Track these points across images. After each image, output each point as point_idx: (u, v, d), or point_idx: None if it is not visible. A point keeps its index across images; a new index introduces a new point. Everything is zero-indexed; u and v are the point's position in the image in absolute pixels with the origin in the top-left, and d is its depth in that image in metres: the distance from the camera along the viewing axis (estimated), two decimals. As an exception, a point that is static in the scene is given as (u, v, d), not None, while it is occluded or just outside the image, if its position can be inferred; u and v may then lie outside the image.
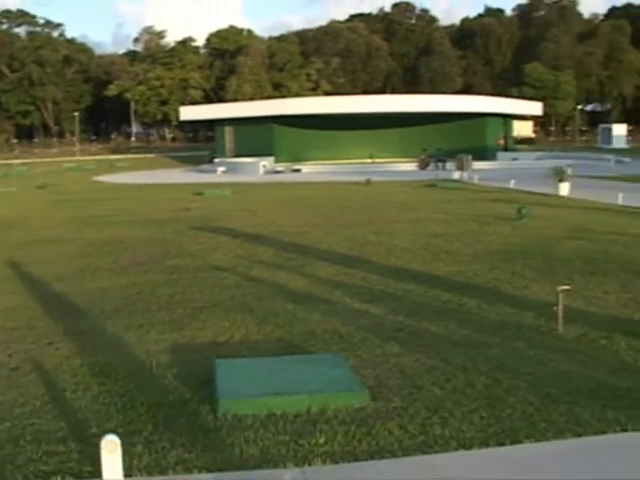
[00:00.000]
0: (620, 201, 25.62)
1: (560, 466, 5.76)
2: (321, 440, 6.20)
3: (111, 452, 4.94)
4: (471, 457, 5.94)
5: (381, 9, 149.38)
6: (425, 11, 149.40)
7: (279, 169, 52.15)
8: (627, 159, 61.52)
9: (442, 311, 10.62)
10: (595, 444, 6.14)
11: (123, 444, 5.11)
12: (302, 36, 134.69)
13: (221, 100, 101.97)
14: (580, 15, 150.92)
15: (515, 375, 7.79)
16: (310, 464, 5.79)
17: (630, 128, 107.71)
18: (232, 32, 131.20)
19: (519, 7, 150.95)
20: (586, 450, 6.05)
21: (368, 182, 37.05)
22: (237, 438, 6.27)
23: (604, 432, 6.34)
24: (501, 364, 8.15)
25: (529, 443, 6.15)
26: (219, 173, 50.09)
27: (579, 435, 6.30)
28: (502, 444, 6.14)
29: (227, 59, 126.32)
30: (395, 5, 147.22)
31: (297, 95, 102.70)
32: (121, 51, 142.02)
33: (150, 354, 8.71)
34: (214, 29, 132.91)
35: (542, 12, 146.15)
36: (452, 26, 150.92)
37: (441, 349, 8.75)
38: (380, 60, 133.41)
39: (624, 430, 6.36)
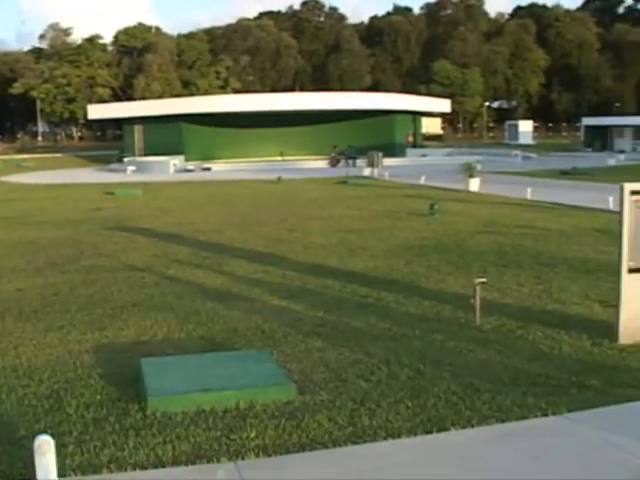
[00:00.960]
0: (529, 196, 26.33)
1: (485, 451, 5.99)
2: (252, 434, 6.30)
3: (44, 453, 4.90)
4: (400, 445, 6.12)
5: (290, 7, 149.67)
6: (334, 9, 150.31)
7: (189, 168, 51.81)
8: (533, 155, 63.11)
9: (362, 306, 10.82)
10: (518, 429, 6.40)
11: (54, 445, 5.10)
12: (211, 34, 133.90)
13: (130, 98, 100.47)
14: (486, 14, 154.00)
15: (437, 366, 8.02)
16: (243, 458, 5.88)
17: (536, 124, 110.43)
18: (140, 29, 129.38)
19: (427, 6, 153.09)
20: (509, 435, 6.29)
21: (279, 180, 37.15)
22: (168, 435, 6.31)
23: (525, 417, 6.61)
24: (423, 356, 8.38)
25: (455, 430, 6.37)
26: (129, 172, 49.48)
27: (502, 421, 6.55)
28: (429, 432, 6.34)
29: (135, 57, 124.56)
30: (304, 3, 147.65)
31: (206, 93, 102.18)
32: (26, 48, 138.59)
33: (73, 355, 8.66)
34: (122, 26, 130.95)
35: (449, 11, 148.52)
36: (361, 24, 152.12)
37: (363, 343, 8.93)
38: (289, 58, 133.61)
39: (544, 415, 6.65)
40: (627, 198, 8.55)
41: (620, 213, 8.65)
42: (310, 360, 8.33)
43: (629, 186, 8.62)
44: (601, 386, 7.41)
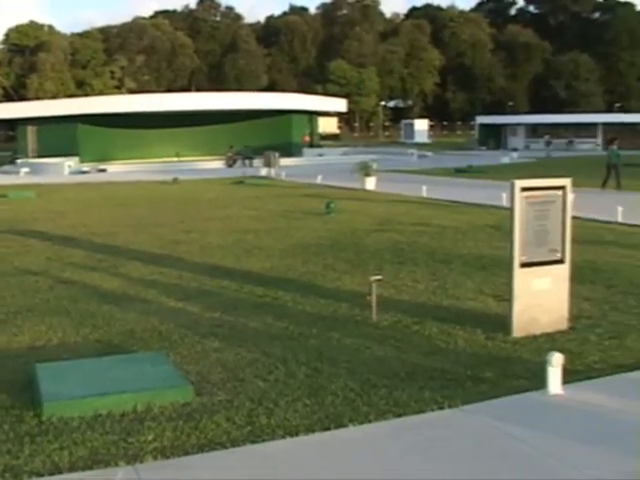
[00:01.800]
0: (424, 193, 26.78)
1: (383, 445, 6.09)
2: (150, 437, 6.26)
3: None
4: (298, 443, 6.17)
5: (186, 6, 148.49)
6: (230, 9, 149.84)
7: (85, 169, 50.83)
8: (429, 153, 64.11)
9: (259, 305, 10.84)
10: (415, 423, 6.52)
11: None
12: (106, 33, 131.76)
13: (22, 99, 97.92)
14: (382, 14, 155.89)
15: (334, 363, 8.10)
16: (142, 461, 5.84)
17: (431, 123, 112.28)
18: (33, 28, 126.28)
19: (323, 6, 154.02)
20: (406, 429, 6.41)
21: (175, 181, 36.82)
22: (65, 441, 6.21)
23: (422, 411, 6.74)
24: (320, 354, 8.45)
25: (353, 426, 6.45)
26: (22, 174, 48.23)
27: (399, 415, 6.66)
28: (327, 429, 6.41)
29: (28, 56, 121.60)
30: (200, 2, 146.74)
31: (101, 93, 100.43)
32: None
33: (-37, 361, 8.43)
34: (13, 24, 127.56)
35: (345, 11, 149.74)
36: (257, 24, 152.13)
37: (260, 342, 8.96)
38: (185, 58, 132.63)
39: (441, 408, 6.79)
40: (518, 195, 8.81)
41: (511, 209, 8.90)
42: (207, 361, 8.31)
43: (519, 183, 8.88)
44: (495, 378, 7.62)
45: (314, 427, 6.45)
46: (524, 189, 8.84)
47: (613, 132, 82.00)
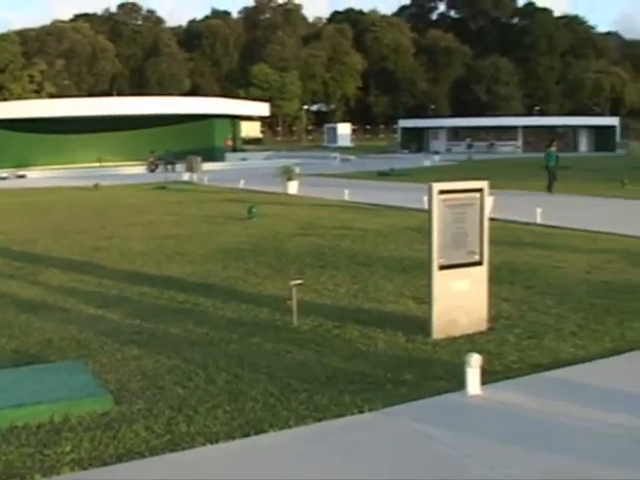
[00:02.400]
0: (346, 197, 26.93)
1: (302, 450, 6.09)
2: (67, 448, 6.14)
3: None
4: (217, 450, 6.13)
5: (107, 9, 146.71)
6: (151, 12, 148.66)
7: (3, 175, 49.83)
8: (352, 157, 64.50)
9: (179, 312, 10.75)
10: (335, 427, 6.53)
11: None
12: (24, 36, 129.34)
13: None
14: (305, 19, 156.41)
15: (255, 369, 8.08)
16: (58, 473, 5.72)
17: (354, 127, 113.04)
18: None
19: (245, 10, 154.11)
20: (326, 433, 6.42)
21: (97, 186, 36.34)
22: (-22, 455, 6.07)
23: (342, 415, 6.76)
24: (240, 359, 8.42)
25: (273, 432, 6.44)
26: (-64, 181, 47.15)
27: (319, 420, 6.67)
28: (247, 435, 6.38)
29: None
30: (121, 5, 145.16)
31: (20, 98, 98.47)
32: None
33: None
34: None
35: (268, 15, 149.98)
36: (179, 27, 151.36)
37: (181, 349, 8.89)
38: (106, 62, 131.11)
39: (361, 412, 6.81)
40: (435, 197, 8.90)
41: (429, 212, 8.99)
42: (127, 369, 8.21)
43: (437, 186, 8.98)
44: (415, 380, 7.68)
45: (234, 433, 6.41)
46: (442, 192, 8.94)
47: (533, 135, 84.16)
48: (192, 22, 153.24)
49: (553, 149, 31.71)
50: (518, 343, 8.97)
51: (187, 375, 7.95)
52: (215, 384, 7.66)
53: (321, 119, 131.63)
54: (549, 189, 29.52)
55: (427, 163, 54.32)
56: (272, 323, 9.99)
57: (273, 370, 8.04)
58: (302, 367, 8.14)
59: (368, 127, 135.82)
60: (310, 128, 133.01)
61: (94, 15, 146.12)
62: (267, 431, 6.44)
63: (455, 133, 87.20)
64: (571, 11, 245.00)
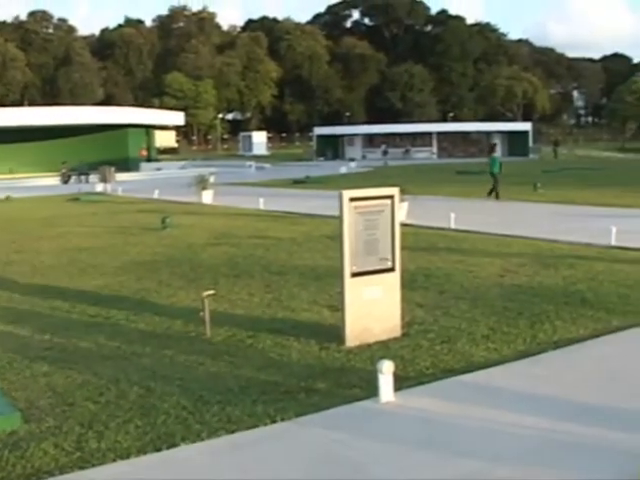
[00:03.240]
0: (262, 206, 26.92)
1: (214, 463, 6.05)
2: (-29, 470, 5.99)
3: None
4: (129, 465, 6.05)
5: (16, 17, 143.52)
6: (63, 20, 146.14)
7: None
8: (267, 165, 64.51)
9: (91, 325, 10.58)
10: (247, 438, 6.50)
11: None
12: None
13: None
14: (219, 27, 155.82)
15: (167, 382, 7.99)
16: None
17: (270, 135, 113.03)
18: None
19: (159, 18, 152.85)
20: (239, 445, 6.39)
21: (8, 199, 35.58)
22: None
23: (255, 426, 6.73)
24: (153, 372, 8.32)
25: (185, 445, 6.38)
26: None
27: (233, 432, 6.63)
28: (159, 449, 6.31)
29: None
30: (31, 14, 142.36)
31: None
32: None
33: None
34: None
35: (182, 24, 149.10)
36: (92, 36, 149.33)
37: (92, 364, 8.74)
38: (16, 71, 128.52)
39: (274, 422, 6.80)
40: (346, 205, 8.93)
41: (340, 219, 9.01)
42: (36, 386, 8.04)
43: (348, 193, 9.02)
44: (328, 388, 7.70)
45: (146, 448, 6.34)
46: (352, 199, 8.98)
47: (447, 141, 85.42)
48: (105, 31, 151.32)
49: (496, 154, 31.53)
50: (431, 348, 9.06)
51: (98, 390, 7.82)
52: (127, 398, 7.56)
53: (236, 128, 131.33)
54: (496, 196, 29.09)
55: (343, 170, 54.62)
56: (185, 335, 9.91)
57: (186, 382, 7.96)
58: (215, 378, 8.09)
59: (284, 135, 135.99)
60: (225, 137, 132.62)
61: (3, 23, 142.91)
62: (179, 445, 6.39)
63: (370, 140, 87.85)
64: (484, 19, 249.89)
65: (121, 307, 11.60)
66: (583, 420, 6.68)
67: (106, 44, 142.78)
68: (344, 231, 8.95)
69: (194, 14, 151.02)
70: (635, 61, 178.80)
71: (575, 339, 9.36)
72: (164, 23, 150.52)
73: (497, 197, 29.16)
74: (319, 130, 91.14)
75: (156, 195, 34.14)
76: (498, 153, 31.75)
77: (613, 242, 16.82)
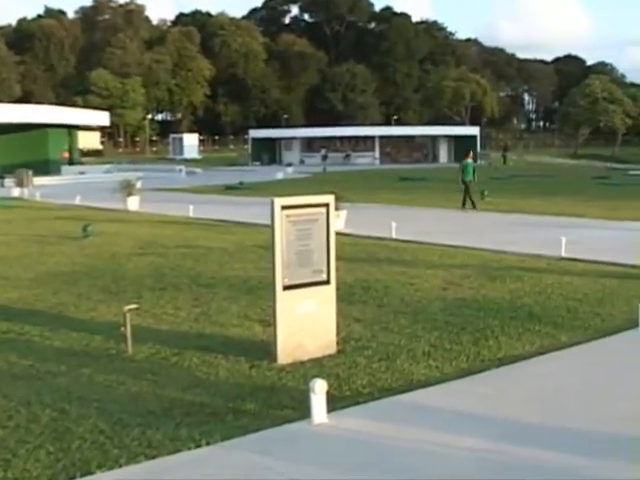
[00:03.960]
0: (191, 213, 26.81)
1: (131, 492, 5.98)
2: None
3: None
4: (36, 496, 5.96)
5: None
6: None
7: None
8: (199, 170, 64.34)
9: (2, 342, 10.39)
10: (170, 464, 6.44)
11: None
12: None
13: None
14: (148, 20, 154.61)
15: (84, 403, 7.88)
16: None
17: (202, 138, 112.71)
18: None
19: (82, 9, 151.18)
20: (161, 471, 6.32)
21: None
22: None
23: (178, 450, 6.67)
24: (68, 393, 8.20)
25: (101, 473, 6.29)
26: None
27: (153, 457, 6.56)
28: (72, 478, 6.20)
29: None
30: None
31: None
32: None
33: None
34: None
35: (107, 16, 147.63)
36: (8, 27, 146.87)
37: (1, 384, 8.58)
38: None
39: (198, 446, 6.75)
40: (278, 213, 8.92)
41: (272, 229, 9.00)
42: (-63, 409, 7.87)
43: (280, 201, 9.01)
44: (258, 409, 7.67)
45: (58, 477, 6.24)
46: (285, 207, 8.97)
47: (390, 145, 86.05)
48: (22, 21, 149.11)
49: (469, 160, 31.04)
50: (369, 366, 9.08)
51: (7, 413, 7.68)
52: (38, 422, 7.43)
53: (166, 129, 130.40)
54: (472, 205, 28.74)
55: (279, 176, 54.70)
56: (105, 352, 9.79)
57: (104, 404, 7.86)
58: (136, 400, 8.00)
59: (217, 138, 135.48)
60: (154, 139, 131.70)
61: None
62: (94, 472, 6.31)
63: (309, 144, 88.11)
64: (430, 17, 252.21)
65: (36, 322, 11.42)
66: (524, 441, 6.77)
67: (24, 36, 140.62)
68: (275, 241, 8.94)
69: (121, 6, 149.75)
70: (589, 63, 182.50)
71: (520, 356, 9.48)
72: (88, 15, 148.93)
73: (474, 206, 28.78)
74: (255, 133, 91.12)
75: (78, 201, 33.77)
76: (470, 160, 31.22)
77: (563, 253, 17.07)
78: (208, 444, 6.79)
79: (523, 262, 16.66)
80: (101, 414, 7.58)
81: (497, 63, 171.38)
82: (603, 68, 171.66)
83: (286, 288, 9.07)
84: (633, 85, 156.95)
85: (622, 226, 23.37)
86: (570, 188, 41.20)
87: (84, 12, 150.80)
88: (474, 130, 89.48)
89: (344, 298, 12.04)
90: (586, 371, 8.97)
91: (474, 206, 28.69)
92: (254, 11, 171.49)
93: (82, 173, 60.00)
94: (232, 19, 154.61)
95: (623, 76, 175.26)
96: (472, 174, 29.77)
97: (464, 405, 7.71)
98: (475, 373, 8.81)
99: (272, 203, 8.94)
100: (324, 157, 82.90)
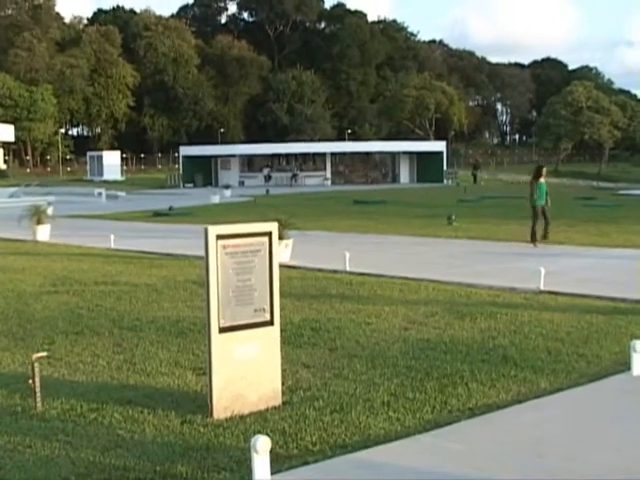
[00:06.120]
0: (112, 244, 26.70)
1: None
2: None
3: None
4: None
5: None
6: None
7: None
8: (122, 193, 64.18)
9: None
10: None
11: None
12: None
13: None
14: (60, 18, 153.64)
15: (-18, 471, 7.80)
16: None
17: (125, 156, 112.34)
18: None
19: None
20: None
21: None
22: None
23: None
24: (-36, 459, 8.12)
25: None
26: None
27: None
28: None
29: None
30: None
31: None
32: None
33: None
34: None
35: (10, 11, 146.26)
36: None
37: None
38: None
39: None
40: (213, 244, 8.93)
41: (206, 262, 9.01)
42: None
43: (215, 229, 9.02)
44: (191, 473, 7.65)
45: None
46: (220, 237, 8.99)
47: (344, 163, 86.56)
48: None
49: (543, 181, 27.98)
50: (319, 419, 9.10)
51: None
52: None
53: (83, 146, 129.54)
54: (545, 236, 26.96)
55: (215, 199, 54.75)
56: (9, 409, 9.69)
57: (6, 472, 7.77)
58: (46, 465, 7.92)
59: (142, 156, 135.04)
60: (69, 157, 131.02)
61: None
62: None
63: (250, 162, 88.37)
64: (389, 15, 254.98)
65: None
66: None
67: None
68: (210, 276, 8.95)
69: (26, 0, 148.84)
70: (572, 67, 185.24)
71: (494, 405, 9.56)
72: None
73: (543, 238, 26.96)
74: (186, 150, 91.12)
75: (-24, 231, 33.50)
76: (543, 180, 28.26)
77: (542, 286, 17.24)
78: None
79: (496, 297, 16.81)
80: (1, 485, 7.53)
81: (465, 68, 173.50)
82: (587, 73, 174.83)
83: (223, 330, 9.07)
84: (622, 92, 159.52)
85: (611, 254, 23.70)
86: (551, 211, 41.63)
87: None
88: (440, 145, 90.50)
89: (290, 341, 12.10)
90: (570, 422, 9.05)
91: (534, 237, 26.75)
92: (184, 9, 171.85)
93: (-19, 198, 59.58)
94: (159, 18, 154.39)
95: (610, 82, 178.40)
96: (545, 197, 27.61)
97: (430, 463, 7.75)
98: (442, 426, 8.85)
99: (206, 232, 8.95)
100: (267, 178, 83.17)
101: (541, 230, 27.24)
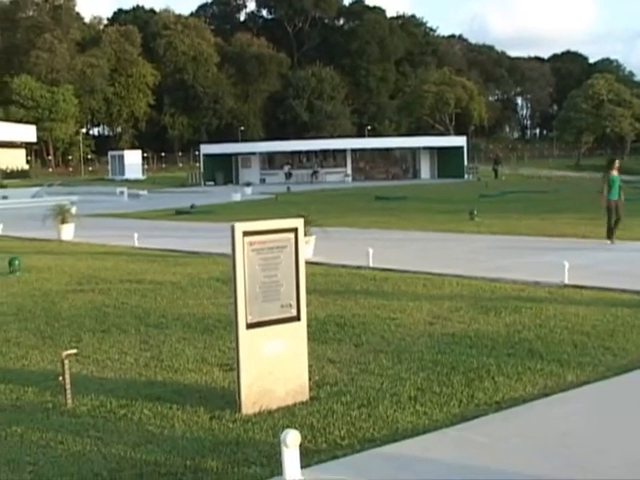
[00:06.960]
0: (136, 242, 26.79)
1: None
2: None
3: None
4: None
5: None
6: None
7: None
8: (143, 192, 64.23)
9: None
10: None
11: None
12: None
13: None
14: (81, 18, 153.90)
15: (16, 468, 7.82)
16: None
17: (146, 155, 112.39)
18: None
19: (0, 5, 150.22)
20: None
21: None
22: None
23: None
24: (-3, 458, 8.18)
25: None
26: None
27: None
28: None
29: None
30: None
31: None
32: None
33: None
34: None
35: (31, 12, 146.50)
36: None
37: None
38: None
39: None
40: (239, 240, 8.97)
41: (233, 258, 9.04)
42: None
43: (241, 226, 9.06)
44: (221, 467, 7.68)
45: None
46: (247, 234, 9.03)
47: (364, 160, 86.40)
48: None
49: (615, 173, 25.81)
50: (347, 414, 9.13)
51: None
52: (-39, 492, 7.44)
53: (104, 145, 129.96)
54: (610, 233, 25.02)
55: (237, 197, 54.80)
56: (40, 406, 9.76)
57: (40, 468, 7.82)
58: (78, 461, 7.98)
59: (163, 155, 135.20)
60: (90, 157, 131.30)
61: None
62: None
63: (270, 160, 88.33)
64: (408, 11, 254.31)
65: (-44, 374, 11.40)
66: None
67: None
68: (237, 273, 8.99)
69: (47, 1, 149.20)
70: (592, 60, 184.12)
71: (521, 398, 9.56)
72: (7, 11, 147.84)
73: (610, 235, 25.08)
74: (207, 148, 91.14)
75: (0, 231, 33.61)
76: (616, 172, 26.00)
77: (566, 280, 17.21)
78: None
79: (520, 291, 16.79)
80: None
81: (485, 63, 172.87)
82: (608, 65, 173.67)
83: (250, 326, 9.11)
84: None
85: (635, 247, 23.64)
86: (573, 205, 41.53)
87: (2, 9, 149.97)
88: (460, 140, 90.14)
89: (316, 337, 12.12)
90: (596, 415, 9.05)
91: (611, 234, 25.13)
92: (204, 7, 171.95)
93: (5, 198, 59.77)
94: (179, 17, 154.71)
95: (632, 74, 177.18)
96: (619, 192, 25.60)
97: (458, 456, 7.76)
98: (469, 419, 8.87)
99: (232, 229, 8.99)
100: (288, 175, 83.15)
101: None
